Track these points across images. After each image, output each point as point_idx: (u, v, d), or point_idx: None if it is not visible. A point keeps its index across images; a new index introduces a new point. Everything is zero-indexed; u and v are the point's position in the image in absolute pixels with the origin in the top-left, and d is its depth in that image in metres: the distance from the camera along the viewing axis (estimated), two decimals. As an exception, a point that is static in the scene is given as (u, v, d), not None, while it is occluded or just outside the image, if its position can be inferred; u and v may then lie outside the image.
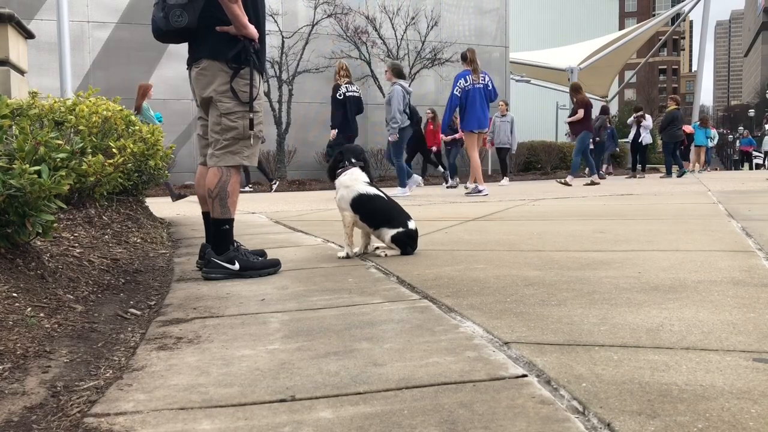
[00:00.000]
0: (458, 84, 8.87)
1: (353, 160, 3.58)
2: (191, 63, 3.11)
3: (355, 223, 3.50)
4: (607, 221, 4.96)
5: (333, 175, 3.62)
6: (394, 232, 3.47)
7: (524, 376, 1.52)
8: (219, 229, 3.05)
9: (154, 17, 3.02)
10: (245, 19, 2.94)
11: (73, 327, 2.14)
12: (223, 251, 3.03)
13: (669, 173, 15.62)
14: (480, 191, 8.93)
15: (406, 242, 3.49)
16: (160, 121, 11.98)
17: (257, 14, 3.14)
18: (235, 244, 3.12)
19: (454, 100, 8.88)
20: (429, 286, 2.61)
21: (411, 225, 3.53)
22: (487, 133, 9.80)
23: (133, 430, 1.32)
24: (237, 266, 3.02)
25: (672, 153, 15.58)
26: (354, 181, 3.51)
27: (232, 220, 3.10)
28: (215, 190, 3.02)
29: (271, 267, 3.12)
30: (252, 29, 2.99)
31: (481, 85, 8.86)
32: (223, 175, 3.02)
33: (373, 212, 3.50)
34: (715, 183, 11.22)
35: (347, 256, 3.46)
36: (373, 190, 3.53)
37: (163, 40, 3.10)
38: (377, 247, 3.59)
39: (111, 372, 1.71)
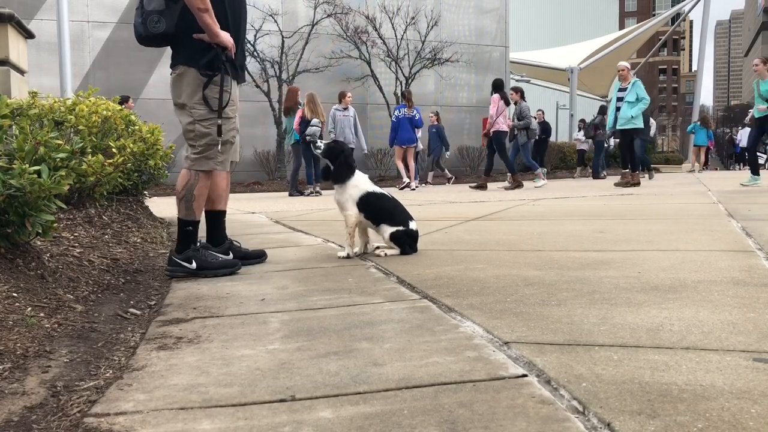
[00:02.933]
0: (395, 114, 13.31)
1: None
2: (172, 67, 3.16)
3: (360, 222, 3.52)
4: (607, 221, 4.96)
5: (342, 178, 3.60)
6: (393, 229, 3.48)
7: (524, 375, 1.51)
8: (183, 230, 3.13)
9: (135, 23, 3.07)
10: (217, 27, 2.98)
11: (73, 327, 2.14)
12: (183, 250, 3.10)
13: (647, 172, 14.87)
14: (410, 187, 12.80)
15: (405, 241, 3.49)
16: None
17: (237, 22, 3.19)
18: (199, 243, 3.16)
19: (393, 125, 13.36)
20: (429, 286, 2.61)
21: (412, 225, 3.54)
22: (415, 146, 13.32)
23: (133, 430, 1.32)
24: (194, 265, 3.07)
25: (644, 150, 14.91)
26: (362, 181, 3.56)
27: (197, 222, 3.17)
28: (182, 192, 3.11)
29: (228, 267, 3.15)
30: (224, 37, 3.02)
31: (410, 116, 13.04)
32: (191, 178, 3.10)
33: (378, 210, 3.53)
34: (715, 183, 11.22)
35: (348, 256, 3.46)
36: (379, 189, 3.60)
37: (145, 45, 3.13)
38: (377, 247, 3.59)
39: (111, 372, 1.71)
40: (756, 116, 9.85)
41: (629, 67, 11.30)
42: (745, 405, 1.28)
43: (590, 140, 17.48)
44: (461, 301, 2.30)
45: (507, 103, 11.78)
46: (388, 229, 3.49)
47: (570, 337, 1.81)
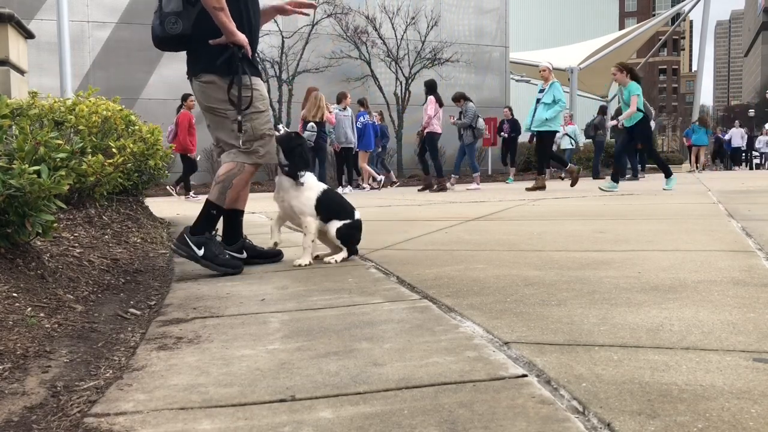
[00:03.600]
0: (359, 120, 13.79)
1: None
2: (191, 75, 3.20)
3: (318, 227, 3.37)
4: (607, 221, 4.96)
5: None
6: (340, 224, 3.33)
7: (524, 376, 1.51)
8: (207, 211, 3.16)
9: (153, 25, 3.10)
10: (233, 26, 3.00)
11: (73, 327, 2.14)
12: (197, 232, 3.10)
13: (634, 175, 14.56)
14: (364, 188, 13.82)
15: (351, 234, 3.39)
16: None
17: (249, 18, 3.21)
18: (213, 232, 3.17)
19: (358, 131, 13.69)
20: (429, 286, 2.61)
21: (357, 215, 3.42)
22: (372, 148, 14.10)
23: (133, 430, 1.32)
24: (201, 252, 3.06)
25: (631, 153, 14.44)
26: (311, 180, 3.40)
27: (222, 209, 3.18)
28: (221, 177, 3.15)
29: (231, 267, 3.13)
30: (240, 37, 3.03)
31: (372, 122, 14.20)
32: (236, 167, 3.15)
33: (330, 207, 3.39)
34: (715, 183, 11.22)
35: (309, 264, 3.31)
36: (325, 185, 3.46)
37: (162, 48, 3.17)
38: (317, 256, 3.46)
39: (111, 372, 1.71)
40: (626, 125, 9.72)
41: (551, 68, 10.97)
42: (745, 405, 1.28)
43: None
44: (461, 301, 2.30)
45: (441, 105, 11.78)
46: (333, 225, 3.33)
47: (570, 337, 1.81)
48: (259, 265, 3.40)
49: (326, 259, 3.38)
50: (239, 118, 3.09)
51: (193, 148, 12.22)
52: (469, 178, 13.66)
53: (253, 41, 3.22)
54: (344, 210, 3.42)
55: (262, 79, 3.27)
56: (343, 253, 3.39)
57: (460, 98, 12.74)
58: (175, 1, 3.00)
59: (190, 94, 12.26)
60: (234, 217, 3.44)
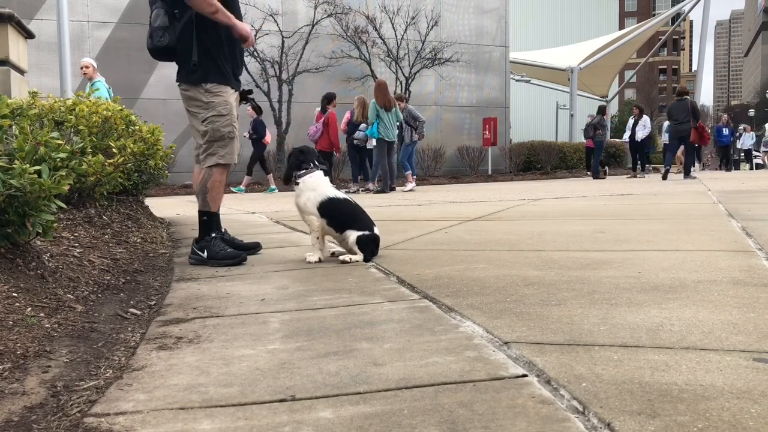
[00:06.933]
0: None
1: (317, 163, 3.52)
2: (177, 82, 3.57)
3: (322, 227, 3.41)
4: (607, 221, 4.96)
5: (292, 178, 3.51)
6: (360, 233, 3.34)
7: (524, 375, 1.52)
8: (200, 220, 3.54)
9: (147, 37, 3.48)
10: (233, 19, 3.37)
11: (73, 327, 2.14)
12: (201, 239, 3.48)
13: (687, 173, 14.19)
14: None
15: (370, 246, 3.37)
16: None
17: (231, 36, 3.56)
18: (212, 234, 3.47)
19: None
20: (429, 285, 2.61)
21: (376, 231, 3.43)
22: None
23: (133, 430, 1.32)
24: (205, 254, 3.43)
25: (672, 150, 14.46)
26: (320, 184, 3.45)
27: (212, 213, 3.52)
28: (198, 186, 3.53)
29: (231, 258, 3.39)
30: (240, 27, 3.42)
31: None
32: (205, 173, 3.49)
33: (340, 215, 3.42)
34: (715, 183, 11.22)
35: (319, 261, 3.37)
36: (341, 194, 3.49)
37: (154, 58, 3.51)
38: (332, 253, 3.50)
39: (111, 372, 1.71)
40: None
41: (95, 65, 9.62)
42: (745, 405, 1.28)
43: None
44: (461, 301, 2.30)
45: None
46: (353, 234, 3.35)
47: (570, 337, 1.81)
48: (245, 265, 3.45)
49: (341, 258, 3.39)
50: (207, 114, 3.41)
51: (338, 146, 12.24)
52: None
53: (234, 54, 3.54)
54: (360, 220, 3.42)
55: (234, 89, 3.55)
56: (359, 257, 3.36)
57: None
58: (162, 17, 3.34)
59: (335, 95, 12.32)
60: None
